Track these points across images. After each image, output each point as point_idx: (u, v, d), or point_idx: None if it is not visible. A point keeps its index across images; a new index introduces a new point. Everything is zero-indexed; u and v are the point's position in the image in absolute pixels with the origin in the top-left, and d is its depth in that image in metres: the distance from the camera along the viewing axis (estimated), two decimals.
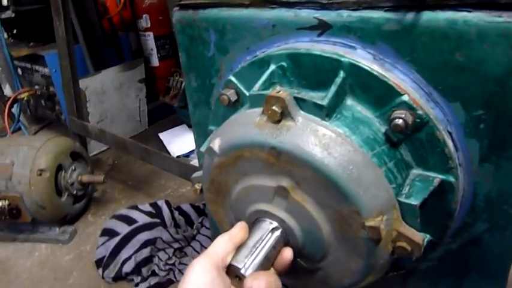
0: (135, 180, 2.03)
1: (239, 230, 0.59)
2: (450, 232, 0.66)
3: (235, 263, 0.53)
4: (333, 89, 0.56)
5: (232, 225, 0.70)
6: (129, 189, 1.97)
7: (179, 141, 2.14)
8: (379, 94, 0.57)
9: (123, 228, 1.53)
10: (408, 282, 0.78)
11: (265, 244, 0.56)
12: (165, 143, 2.18)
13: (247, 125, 0.58)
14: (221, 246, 0.55)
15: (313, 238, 0.58)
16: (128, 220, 1.56)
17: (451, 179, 0.57)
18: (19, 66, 2.32)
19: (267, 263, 0.55)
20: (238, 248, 0.56)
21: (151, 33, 2.43)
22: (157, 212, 1.60)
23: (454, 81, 0.55)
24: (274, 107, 0.54)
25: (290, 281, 0.69)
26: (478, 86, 0.53)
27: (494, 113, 0.54)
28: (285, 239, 0.59)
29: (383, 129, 0.57)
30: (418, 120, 0.55)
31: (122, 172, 2.12)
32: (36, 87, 2.30)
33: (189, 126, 2.30)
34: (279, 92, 0.54)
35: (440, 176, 0.57)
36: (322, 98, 0.55)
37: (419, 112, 0.54)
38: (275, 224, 0.58)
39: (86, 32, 2.12)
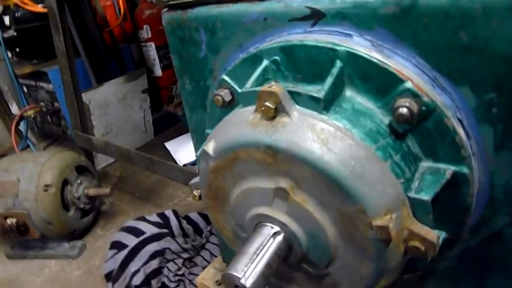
0: (142, 191, 2.01)
1: None
2: (468, 228, 0.62)
3: (234, 272, 0.49)
4: (330, 80, 0.52)
5: (233, 232, 0.67)
6: (137, 201, 1.95)
7: (185, 150, 2.12)
8: (380, 83, 0.53)
9: (131, 240, 1.50)
10: (426, 284, 0.73)
11: (266, 251, 0.52)
12: (171, 152, 2.16)
13: (241, 124, 0.54)
14: None
15: (317, 242, 0.54)
16: (136, 232, 1.53)
17: (465, 170, 0.53)
18: (24, 84, 2.33)
19: (269, 272, 0.51)
20: (237, 255, 0.52)
21: (152, 44, 2.43)
22: (165, 222, 1.57)
23: (461, 63, 0.50)
24: (267, 103, 0.50)
25: None
26: (486, 66, 0.49)
27: (507, 95, 0.49)
28: (288, 244, 0.55)
29: (387, 120, 0.53)
30: (423, 108, 0.51)
31: (130, 184, 2.10)
32: (42, 103, 2.31)
33: None
34: (271, 86, 0.51)
35: (453, 168, 0.53)
36: (319, 90, 0.51)
37: (425, 99, 0.50)
38: (276, 228, 0.54)
39: (87, 46, 2.12)
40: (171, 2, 0.72)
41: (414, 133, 0.53)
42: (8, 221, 1.54)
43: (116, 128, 2.19)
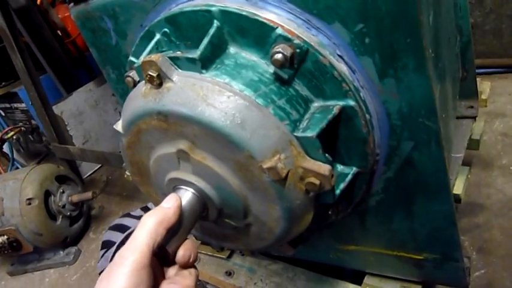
0: (129, 190, 2.05)
1: (173, 212, 0.51)
2: (381, 159, 0.64)
3: None
4: (206, 40, 0.54)
5: None
6: (124, 200, 2.00)
7: None
8: (256, 34, 0.55)
9: (118, 237, 1.55)
10: (365, 223, 0.76)
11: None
12: None
13: (137, 97, 0.57)
14: (151, 236, 0.47)
15: (227, 194, 0.56)
16: (122, 228, 1.58)
17: (351, 103, 0.55)
18: (0, 108, 2.37)
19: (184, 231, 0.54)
20: None
21: None
22: None
23: (325, 1, 0.52)
24: (149, 72, 0.53)
25: (232, 245, 0.68)
26: None
27: (373, 24, 0.51)
28: (202, 202, 0.57)
29: (271, 69, 0.55)
30: (298, 50, 0.53)
31: (117, 185, 2.15)
32: (20, 123, 2.35)
33: None
34: (150, 56, 0.53)
35: (340, 103, 0.55)
36: (196, 51, 0.54)
37: (296, 42, 0.52)
38: (188, 188, 0.57)
39: (49, 59, 2.14)
40: None
41: (299, 77, 0.55)
42: (0, 239, 1.59)
43: (94, 134, 2.23)
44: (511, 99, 1.66)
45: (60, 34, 2.31)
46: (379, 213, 0.73)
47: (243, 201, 0.57)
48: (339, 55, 0.55)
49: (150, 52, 0.61)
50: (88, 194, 1.68)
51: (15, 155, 2.53)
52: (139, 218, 1.63)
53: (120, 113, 2.13)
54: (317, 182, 0.52)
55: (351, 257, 0.86)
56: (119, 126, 0.61)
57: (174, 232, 0.52)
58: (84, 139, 2.19)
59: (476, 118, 1.22)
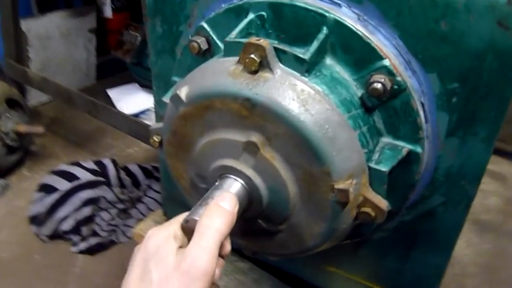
0: (79, 136, 1.90)
1: (236, 216, 0.50)
2: (407, 204, 0.68)
3: (195, 217, 0.49)
4: (316, 44, 0.53)
5: (191, 182, 0.67)
6: (71, 146, 1.84)
7: (129, 100, 2.02)
8: (360, 56, 0.55)
9: (63, 185, 1.43)
10: (359, 251, 0.80)
11: None
12: (113, 100, 2.05)
13: (221, 74, 0.54)
14: (221, 241, 0.46)
15: (278, 198, 0.56)
16: (69, 176, 1.46)
17: (419, 149, 0.58)
18: None
19: None
20: (199, 203, 0.52)
21: None
22: (102, 171, 1.51)
23: (435, 51, 0.54)
24: (252, 55, 0.50)
25: (246, 243, 0.67)
26: (456, 58, 0.53)
27: (468, 88, 0.54)
28: (249, 198, 0.56)
29: (359, 93, 0.55)
30: (396, 86, 0.54)
31: (65, 127, 1.97)
32: None
33: (141, 85, 2.18)
34: (259, 40, 0.50)
35: (409, 146, 0.57)
36: (304, 52, 0.52)
37: (398, 79, 0.53)
38: (240, 181, 0.55)
39: None
40: None
41: (381, 109, 0.57)
42: None
43: (54, 65, 2.02)
44: (489, 179, 1.78)
45: None
46: (377, 248, 0.77)
47: (290, 209, 0.56)
48: (421, 102, 0.57)
49: (241, 31, 0.57)
50: (39, 128, 1.53)
51: None
52: (91, 171, 1.52)
53: (89, 50, 1.96)
54: (373, 213, 0.54)
55: (326, 277, 0.89)
56: (183, 93, 0.57)
57: None
58: (42, 66, 1.97)
59: None
